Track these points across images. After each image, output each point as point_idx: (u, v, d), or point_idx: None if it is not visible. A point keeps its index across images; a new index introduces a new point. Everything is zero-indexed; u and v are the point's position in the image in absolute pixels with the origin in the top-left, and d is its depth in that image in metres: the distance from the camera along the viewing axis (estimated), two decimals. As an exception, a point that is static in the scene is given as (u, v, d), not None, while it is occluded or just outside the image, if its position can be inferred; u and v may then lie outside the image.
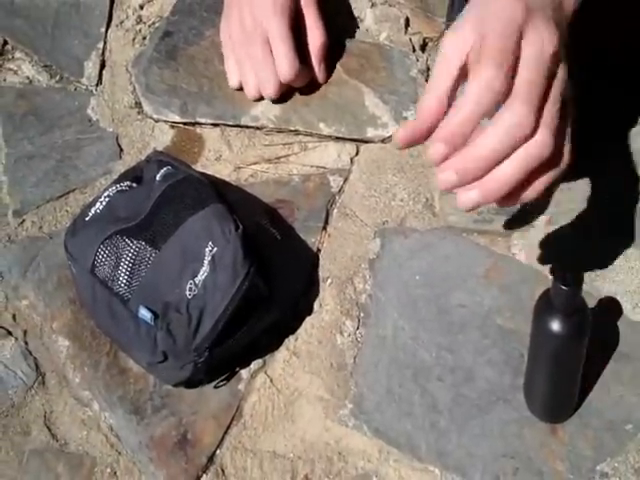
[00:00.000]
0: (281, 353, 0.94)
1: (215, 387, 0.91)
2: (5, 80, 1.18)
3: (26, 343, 0.96)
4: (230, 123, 1.11)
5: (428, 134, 0.74)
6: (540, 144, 0.71)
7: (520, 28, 0.72)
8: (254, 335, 0.92)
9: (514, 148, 0.71)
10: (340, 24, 1.17)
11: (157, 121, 1.12)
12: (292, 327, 0.96)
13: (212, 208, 0.91)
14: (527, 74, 0.71)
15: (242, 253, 0.88)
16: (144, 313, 0.88)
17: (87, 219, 0.94)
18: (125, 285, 0.90)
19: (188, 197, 0.92)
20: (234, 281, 0.87)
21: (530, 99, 0.71)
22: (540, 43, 0.72)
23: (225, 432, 0.90)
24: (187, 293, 0.87)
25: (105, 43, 1.20)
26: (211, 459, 0.88)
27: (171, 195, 0.93)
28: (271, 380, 0.93)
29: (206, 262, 0.88)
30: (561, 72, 0.73)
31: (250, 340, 0.92)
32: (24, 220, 1.05)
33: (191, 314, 0.87)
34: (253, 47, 1.08)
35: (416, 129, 0.74)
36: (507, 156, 0.72)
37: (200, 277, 0.88)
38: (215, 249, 0.88)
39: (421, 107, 0.74)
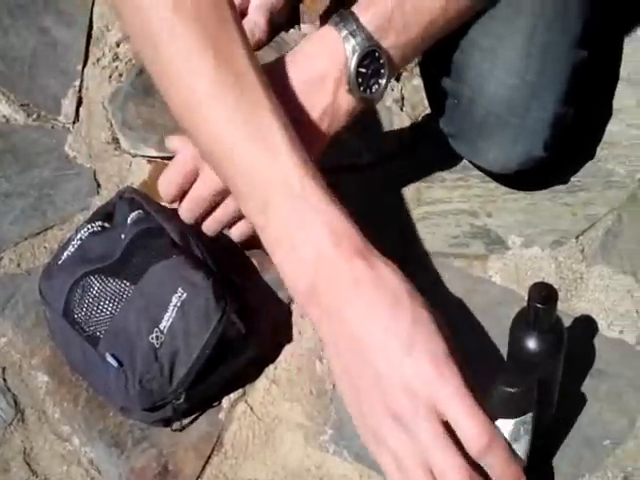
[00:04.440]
0: (261, 382, 0.94)
1: (180, 430, 0.91)
2: (-18, 120, 1.19)
3: (5, 380, 0.95)
4: (207, 156, 1.11)
5: None
6: None
7: None
8: (233, 372, 0.92)
9: None
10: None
11: (134, 156, 1.13)
12: (271, 356, 0.96)
13: (178, 259, 0.90)
14: None
15: (214, 298, 0.88)
16: (110, 360, 0.88)
17: (60, 262, 0.94)
18: (93, 326, 0.90)
19: (153, 247, 0.92)
20: (207, 325, 0.87)
21: None
22: None
23: (206, 462, 0.89)
24: (154, 342, 0.87)
25: (82, 81, 1.21)
26: (192, 490, 0.88)
27: (139, 243, 0.93)
28: (251, 408, 0.93)
29: (171, 308, 0.88)
30: None
31: (229, 377, 0.92)
32: (2, 257, 1.05)
33: (162, 362, 0.87)
34: None
35: None
36: None
37: (165, 324, 0.87)
38: (184, 295, 0.88)
39: None
